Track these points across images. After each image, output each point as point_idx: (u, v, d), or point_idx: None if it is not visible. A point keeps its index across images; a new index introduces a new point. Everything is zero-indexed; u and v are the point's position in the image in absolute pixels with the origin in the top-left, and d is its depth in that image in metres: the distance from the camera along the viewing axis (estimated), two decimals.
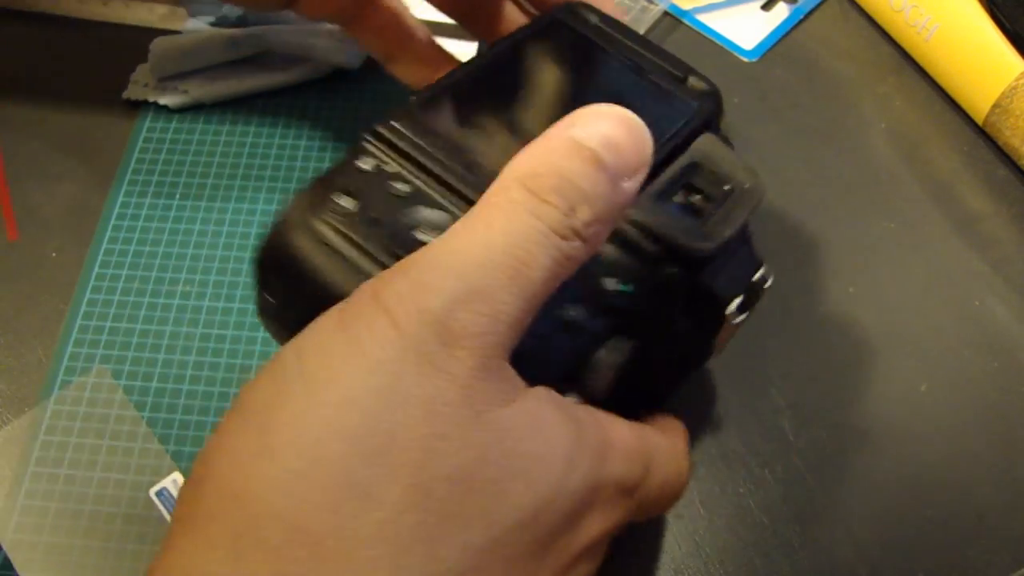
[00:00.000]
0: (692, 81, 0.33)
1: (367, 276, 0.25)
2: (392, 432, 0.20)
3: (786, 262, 0.43)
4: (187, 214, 0.44)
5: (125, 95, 0.48)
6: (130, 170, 0.46)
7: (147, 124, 0.47)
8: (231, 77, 0.48)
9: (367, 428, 0.20)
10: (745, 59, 0.50)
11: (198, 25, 0.49)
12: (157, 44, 0.47)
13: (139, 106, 0.48)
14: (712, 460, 0.38)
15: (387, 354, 0.20)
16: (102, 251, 0.43)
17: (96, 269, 0.43)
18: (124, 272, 0.43)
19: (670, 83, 0.33)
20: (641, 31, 0.50)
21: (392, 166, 0.29)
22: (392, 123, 0.30)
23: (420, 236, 0.27)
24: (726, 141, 0.31)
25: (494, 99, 0.33)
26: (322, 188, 0.29)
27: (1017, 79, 0.44)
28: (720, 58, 0.50)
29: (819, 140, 0.47)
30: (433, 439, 0.20)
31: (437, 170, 0.29)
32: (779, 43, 0.50)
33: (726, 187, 0.29)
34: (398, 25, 0.41)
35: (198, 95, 0.47)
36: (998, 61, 0.45)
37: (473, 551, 0.21)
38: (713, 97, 0.33)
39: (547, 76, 0.34)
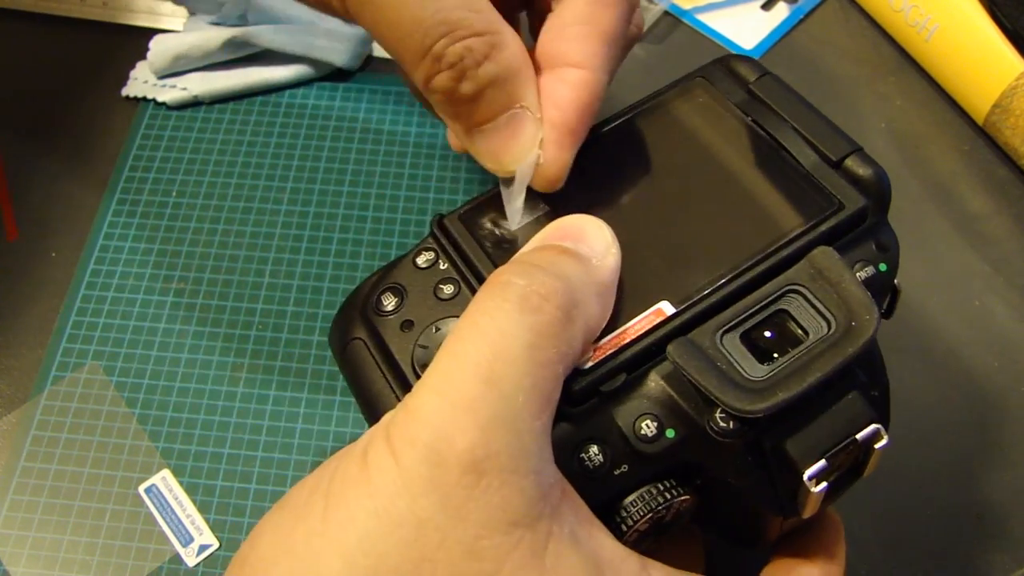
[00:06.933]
0: (851, 164, 0.28)
1: (388, 387, 0.26)
2: (384, 552, 0.21)
3: None
4: (183, 212, 0.44)
5: (124, 92, 0.48)
6: (127, 167, 0.46)
7: (145, 121, 0.47)
8: (230, 76, 0.48)
9: (362, 550, 0.22)
10: None
11: (198, 24, 0.49)
12: (157, 42, 0.47)
13: (138, 103, 0.48)
14: None
15: (387, 486, 0.22)
16: (97, 248, 0.43)
17: (91, 266, 0.43)
18: (119, 269, 0.43)
19: (818, 167, 0.28)
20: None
21: (445, 265, 0.28)
22: (454, 216, 0.29)
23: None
24: (887, 240, 0.27)
25: (588, 186, 0.29)
26: (379, 280, 0.28)
27: (1017, 79, 0.43)
28: None
29: None
30: (421, 562, 0.21)
31: (485, 273, 0.27)
32: (779, 43, 0.50)
33: (817, 331, 0.25)
34: None
35: (197, 93, 0.47)
36: (998, 61, 0.44)
37: None
38: (874, 186, 0.28)
39: (659, 159, 0.29)
